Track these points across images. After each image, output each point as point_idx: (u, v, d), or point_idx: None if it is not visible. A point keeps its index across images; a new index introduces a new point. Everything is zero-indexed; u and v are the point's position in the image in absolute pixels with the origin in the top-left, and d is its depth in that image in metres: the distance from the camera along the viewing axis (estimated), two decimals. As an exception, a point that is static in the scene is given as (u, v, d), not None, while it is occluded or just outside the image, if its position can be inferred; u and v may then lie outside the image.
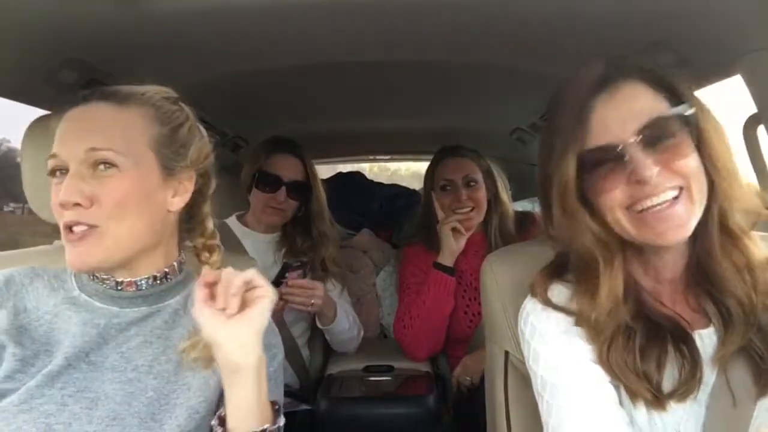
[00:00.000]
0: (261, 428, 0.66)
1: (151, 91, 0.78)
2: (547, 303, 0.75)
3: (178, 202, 0.78)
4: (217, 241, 0.83)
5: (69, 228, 0.71)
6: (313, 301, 1.43)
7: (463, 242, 1.60)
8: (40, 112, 1.09)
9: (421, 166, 2.04)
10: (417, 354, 1.62)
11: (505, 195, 1.76)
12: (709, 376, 0.69)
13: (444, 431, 1.46)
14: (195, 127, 0.81)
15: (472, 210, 1.62)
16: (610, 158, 0.66)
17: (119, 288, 0.76)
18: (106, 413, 0.69)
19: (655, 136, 0.65)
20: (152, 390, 0.72)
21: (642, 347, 0.68)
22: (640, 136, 0.65)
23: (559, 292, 0.76)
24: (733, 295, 0.68)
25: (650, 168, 0.63)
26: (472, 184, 1.64)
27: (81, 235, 0.70)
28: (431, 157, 1.77)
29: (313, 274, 1.53)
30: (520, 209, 2.00)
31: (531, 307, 0.78)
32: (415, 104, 1.80)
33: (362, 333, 1.67)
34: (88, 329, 0.74)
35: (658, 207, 0.65)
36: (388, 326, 2.02)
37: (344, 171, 2.57)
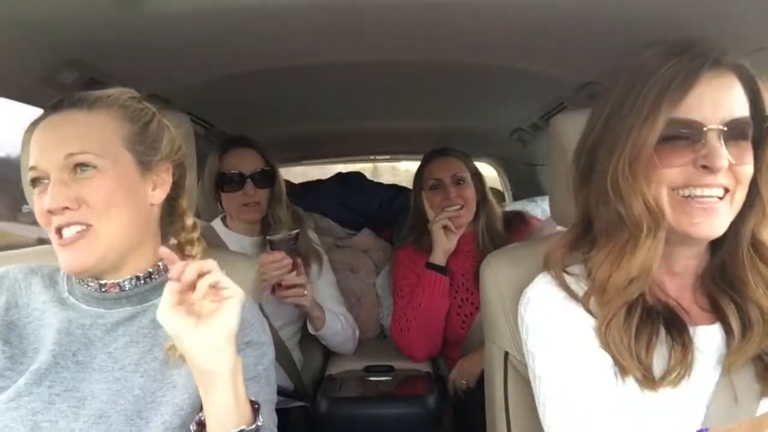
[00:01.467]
0: (238, 429, 0.65)
1: (116, 92, 0.80)
2: (565, 286, 0.75)
3: (159, 194, 0.81)
4: (197, 234, 0.85)
5: (59, 233, 0.73)
6: (305, 293, 1.44)
7: (454, 241, 1.61)
8: (40, 112, 1.09)
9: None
10: (416, 356, 1.62)
11: (491, 195, 1.76)
12: (713, 374, 0.69)
13: (444, 431, 1.46)
14: (163, 122, 0.83)
15: (461, 208, 1.62)
16: (690, 136, 0.65)
17: (103, 290, 0.78)
18: (93, 411, 0.70)
19: (735, 133, 0.65)
20: (139, 388, 0.73)
21: (636, 326, 0.68)
22: (726, 128, 0.65)
23: (574, 279, 0.76)
24: (755, 303, 0.69)
25: (724, 160, 0.63)
26: (460, 182, 1.65)
27: (75, 238, 0.73)
28: None
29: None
30: (520, 209, 2.00)
31: (540, 282, 0.77)
32: (416, 104, 1.80)
33: (358, 333, 1.66)
34: (74, 329, 0.75)
35: (704, 199, 0.66)
36: (388, 326, 2.02)
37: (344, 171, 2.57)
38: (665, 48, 0.68)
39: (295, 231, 1.46)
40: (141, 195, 0.78)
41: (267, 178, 1.55)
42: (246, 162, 1.53)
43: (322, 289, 1.62)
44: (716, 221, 0.66)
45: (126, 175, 0.76)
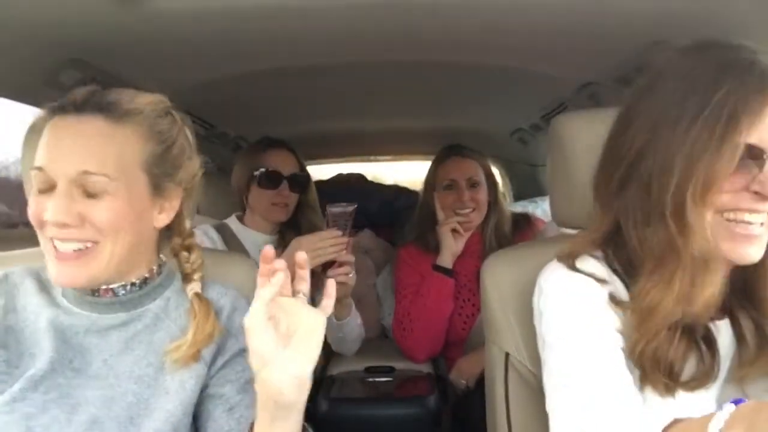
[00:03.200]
0: None
1: (148, 106, 0.76)
2: (580, 270, 0.73)
3: (164, 219, 0.78)
4: (194, 239, 0.83)
5: (54, 245, 0.70)
6: (352, 272, 1.40)
7: (462, 243, 1.60)
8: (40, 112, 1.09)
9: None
10: (417, 356, 1.61)
11: (502, 197, 1.75)
12: (723, 366, 0.69)
13: (444, 432, 1.46)
14: (186, 144, 0.80)
15: (473, 211, 1.62)
16: (750, 159, 0.62)
17: (96, 295, 0.76)
18: (86, 417, 0.69)
19: None
20: (132, 395, 0.72)
21: (674, 346, 0.67)
22: None
23: (591, 264, 0.73)
24: None
25: None
26: (474, 185, 1.63)
27: (73, 256, 0.70)
28: (432, 157, 1.77)
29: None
30: (520, 209, 2.00)
31: (553, 270, 0.76)
32: (416, 104, 1.80)
33: (363, 335, 1.65)
34: (70, 336, 0.74)
35: (749, 225, 0.64)
36: (389, 327, 2.02)
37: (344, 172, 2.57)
38: (719, 54, 0.65)
39: (354, 205, 1.42)
40: (147, 218, 0.75)
41: (301, 182, 1.57)
42: (286, 163, 1.55)
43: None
44: (757, 248, 0.65)
45: (137, 199, 0.73)
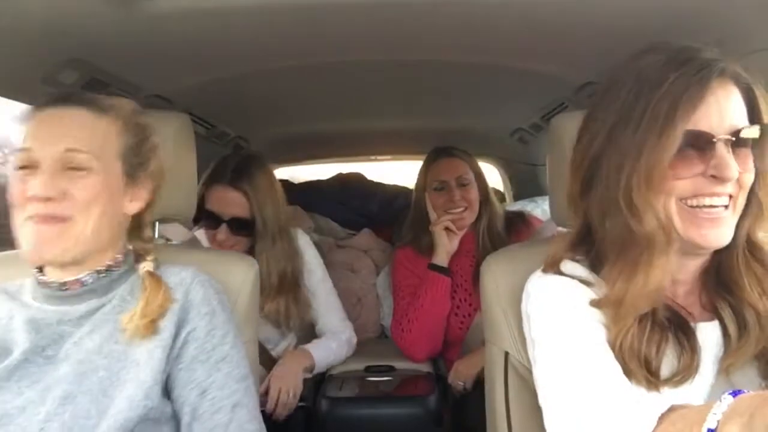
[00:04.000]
0: None
1: (124, 104, 0.85)
2: (563, 273, 0.75)
3: (134, 207, 0.86)
4: (152, 245, 0.92)
5: (33, 221, 0.75)
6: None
7: (456, 242, 1.61)
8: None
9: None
10: (416, 356, 1.62)
11: (494, 195, 1.76)
12: (711, 370, 0.69)
13: (444, 431, 1.46)
14: (155, 144, 0.88)
15: (464, 210, 1.63)
16: (700, 147, 0.65)
17: (64, 288, 0.80)
18: (59, 393, 0.73)
19: (739, 142, 0.66)
20: (103, 369, 0.76)
21: (647, 335, 0.69)
22: (734, 138, 0.65)
23: (573, 267, 0.76)
24: (750, 305, 0.69)
25: (735, 170, 0.64)
26: (465, 184, 1.65)
27: (53, 222, 0.75)
28: None
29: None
30: (519, 209, 1.99)
31: (539, 276, 0.78)
32: (416, 104, 1.80)
33: (355, 341, 1.64)
34: (43, 327, 0.78)
35: (712, 209, 0.66)
36: (389, 327, 2.02)
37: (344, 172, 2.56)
38: (667, 55, 0.67)
39: None
40: (119, 203, 0.82)
41: (248, 227, 1.39)
42: (228, 204, 1.38)
43: (323, 300, 1.59)
44: (724, 230, 0.67)
45: (113, 182, 0.80)
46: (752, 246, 0.71)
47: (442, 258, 1.59)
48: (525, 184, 2.45)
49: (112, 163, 0.80)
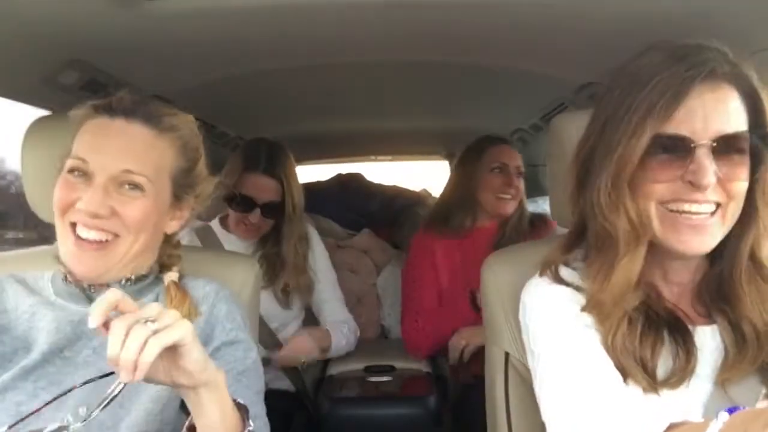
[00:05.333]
0: None
1: (183, 123, 0.84)
2: (559, 281, 0.75)
3: (174, 226, 0.85)
4: (179, 252, 0.90)
5: (74, 227, 0.74)
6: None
7: None
8: (41, 112, 1.10)
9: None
10: (420, 354, 1.63)
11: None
12: (710, 374, 0.69)
13: (444, 431, 1.46)
14: (204, 168, 0.88)
15: (512, 198, 1.66)
16: (678, 151, 0.63)
17: (91, 290, 0.80)
18: (76, 401, 0.71)
19: (727, 148, 0.63)
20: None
21: (640, 334, 0.68)
22: (715, 144, 0.63)
23: (567, 273, 0.76)
24: (749, 321, 0.68)
25: (711, 177, 0.62)
26: (520, 174, 1.69)
27: (96, 247, 0.75)
28: (431, 157, 1.77)
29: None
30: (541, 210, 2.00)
31: (537, 282, 0.78)
32: (416, 104, 1.80)
33: (358, 334, 1.65)
34: (63, 327, 0.77)
35: (693, 216, 0.64)
36: (389, 327, 2.02)
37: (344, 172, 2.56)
38: (667, 53, 0.66)
39: None
40: (162, 223, 0.82)
41: (277, 211, 1.49)
42: (263, 190, 1.47)
43: (329, 288, 1.63)
44: (705, 238, 0.65)
45: (162, 203, 0.80)
46: (756, 262, 0.69)
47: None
48: (525, 184, 2.45)
49: (164, 184, 0.80)
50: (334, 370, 1.63)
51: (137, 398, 0.74)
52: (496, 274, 0.94)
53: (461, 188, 1.70)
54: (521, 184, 1.68)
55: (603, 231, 0.68)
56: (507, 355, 0.91)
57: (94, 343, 0.77)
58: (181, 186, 0.83)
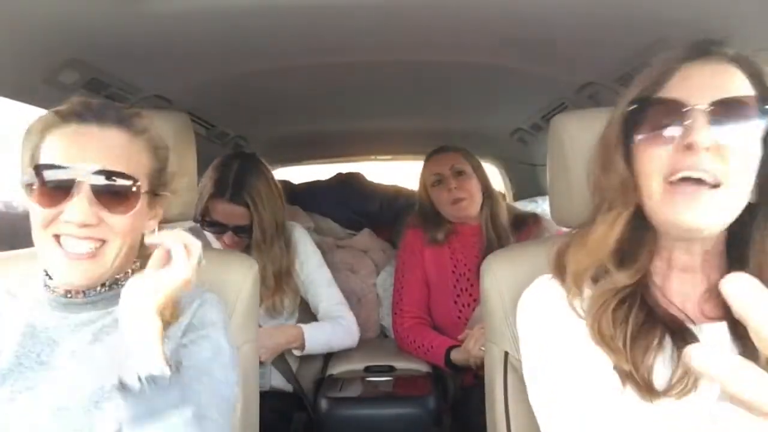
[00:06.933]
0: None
1: (152, 125, 0.84)
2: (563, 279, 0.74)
3: (152, 225, 0.85)
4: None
5: (58, 239, 0.73)
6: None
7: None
8: (41, 112, 1.09)
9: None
10: (408, 349, 1.67)
11: (494, 188, 1.80)
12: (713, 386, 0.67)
13: (444, 431, 1.46)
14: (170, 160, 0.88)
15: (464, 200, 1.65)
16: (673, 116, 0.63)
17: (69, 296, 0.80)
18: (52, 403, 0.73)
19: (727, 112, 0.60)
20: (98, 381, 0.75)
21: (633, 335, 0.66)
22: (712, 107, 0.60)
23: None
24: None
25: (706, 137, 0.59)
26: (461, 174, 1.67)
27: (87, 256, 0.74)
28: None
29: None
30: (531, 210, 2.00)
31: (538, 281, 0.78)
32: (416, 104, 1.80)
33: (356, 332, 1.65)
34: (39, 331, 0.78)
35: (690, 185, 0.61)
36: (389, 326, 2.02)
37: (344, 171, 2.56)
38: (681, 48, 0.67)
39: None
40: (143, 224, 0.82)
41: (249, 231, 1.49)
42: (231, 216, 1.46)
43: (320, 287, 1.63)
44: (701, 210, 0.61)
45: (142, 204, 0.79)
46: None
47: (458, 359, 1.52)
48: (525, 184, 2.45)
49: (143, 185, 0.79)
50: (333, 370, 1.63)
51: (114, 399, 0.72)
52: (495, 274, 0.94)
53: (424, 206, 1.75)
54: (468, 182, 1.67)
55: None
56: (506, 354, 0.91)
57: (73, 347, 0.77)
58: (157, 185, 0.83)
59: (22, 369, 0.75)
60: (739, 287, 0.37)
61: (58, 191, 0.73)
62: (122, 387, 0.64)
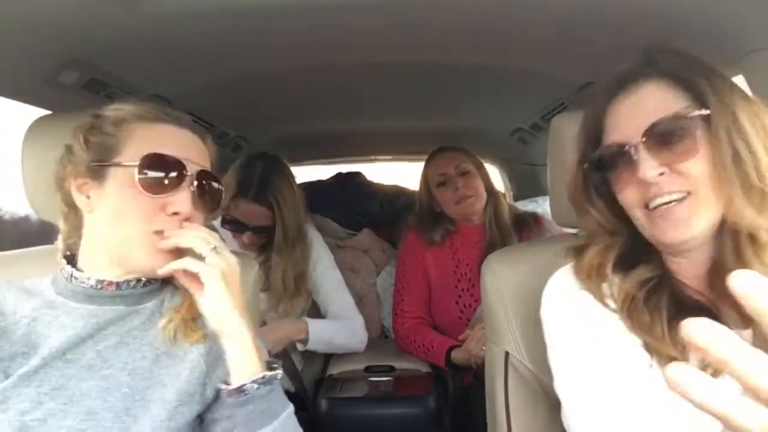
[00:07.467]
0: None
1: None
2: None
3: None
4: None
5: (159, 238, 0.76)
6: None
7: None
8: (41, 112, 1.10)
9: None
10: (407, 349, 1.67)
11: (495, 187, 1.80)
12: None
13: (444, 431, 1.46)
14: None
15: (471, 197, 1.66)
16: (620, 157, 0.67)
17: (99, 287, 0.78)
18: (82, 408, 0.71)
19: (661, 136, 0.64)
20: (127, 386, 0.73)
21: (669, 320, 0.67)
22: (645, 138, 0.65)
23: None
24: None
25: (653, 168, 0.64)
26: (466, 173, 1.68)
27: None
28: None
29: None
30: (532, 210, 2.00)
31: (558, 272, 0.78)
32: (416, 104, 1.80)
33: (364, 335, 1.63)
34: (66, 330, 0.75)
35: (665, 206, 0.65)
36: (389, 327, 2.02)
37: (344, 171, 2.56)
38: (606, 86, 0.72)
39: None
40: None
41: (269, 231, 1.48)
42: (253, 216, 1.46)
43: (330, 288, 1.62)
44: (682, 224, 0.65)
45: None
46: (754, 242, 0.64)
47: (459, 359, 1.52)
48: (525, 184, 2.45)
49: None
50: (333, 370, 1.63)
51: (145, 405, 0.73)
52: (496, 274, 0.94)
53: (426, 206, 1.74)
54: (473, 180, 1.68)
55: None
56: (507, 354, 0.91)
57: (99, 347, 0.75)
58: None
59: (47, 369, 0.72)
60: (747, 285, 0.37)
61: (161, 183, 0.76)
62: (236, 392, 0.71)
